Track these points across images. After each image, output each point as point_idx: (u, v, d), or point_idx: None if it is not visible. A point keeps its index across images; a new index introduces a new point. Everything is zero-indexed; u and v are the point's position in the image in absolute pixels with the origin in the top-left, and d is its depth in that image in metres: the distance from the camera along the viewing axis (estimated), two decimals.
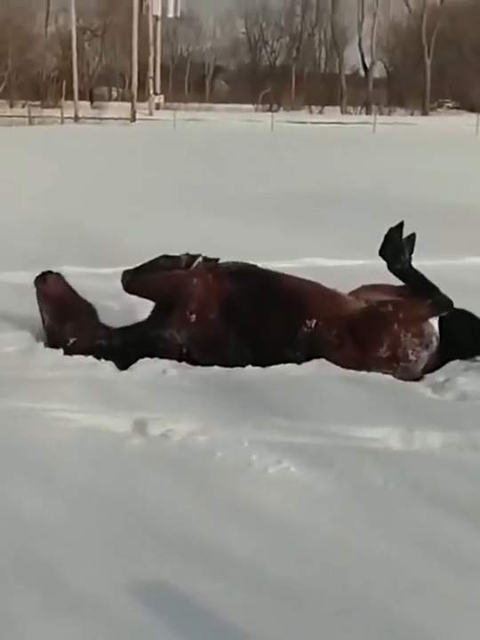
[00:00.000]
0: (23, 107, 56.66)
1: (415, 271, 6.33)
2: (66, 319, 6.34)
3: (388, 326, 6.01)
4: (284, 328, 6.05)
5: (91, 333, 6.30)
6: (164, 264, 6.42)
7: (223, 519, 3.95)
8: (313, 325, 6.03)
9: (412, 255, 6.34)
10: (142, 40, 66.77)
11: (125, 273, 6.45)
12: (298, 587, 3.38)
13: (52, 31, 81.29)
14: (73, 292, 6.56)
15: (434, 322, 6.17)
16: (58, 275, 6.57)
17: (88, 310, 6.51)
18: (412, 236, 6.37)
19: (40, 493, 4.16)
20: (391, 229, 6.39)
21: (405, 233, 6.31)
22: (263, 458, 4.58)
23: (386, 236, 6.39)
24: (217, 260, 6.44)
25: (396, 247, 6.33)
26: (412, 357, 6.04)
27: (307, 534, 3.82)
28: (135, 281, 6.38)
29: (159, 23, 72.56)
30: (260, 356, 6.01)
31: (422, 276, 6.28)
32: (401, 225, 6.37)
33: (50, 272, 6.57)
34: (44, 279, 6.48)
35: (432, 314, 6.17)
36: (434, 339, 6.12)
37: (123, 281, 6.43)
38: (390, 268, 6.35)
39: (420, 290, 6.19)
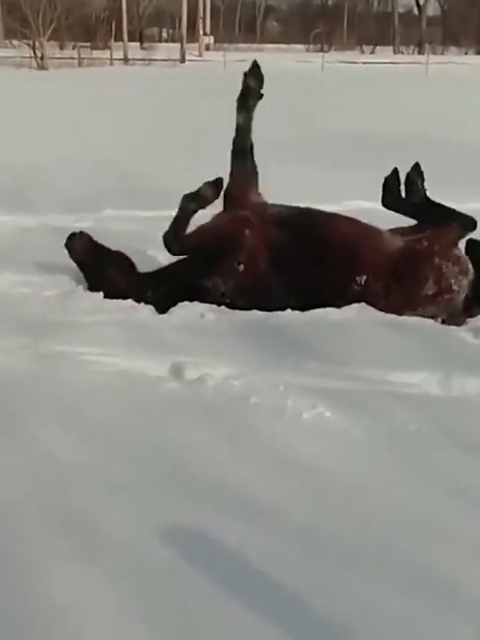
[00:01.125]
0: (73, 48, 56.44)
1: (431, 201, 6.27)
2: (102, 280, 6.29)
3: (430, 262, 5.95)
4: (334, 283, 5.98)
5: (133, 290, 6.24)
6: (193, 207, 6.27)
7: (255, 466, 3.94)
8: (362, 282, 5.97)
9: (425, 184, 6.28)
10: None
11: (166, 238, 6.25)
12: (322, 534, 3.37)
13: None
14: (104, 251, 6.47)
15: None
16: (83, 234, 6.47)
17: (124, 265, 6.43)
18: (416, 166, 6.31)
19: (73, 437, 4.18)
20: (386, 178, 6.38)
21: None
22: (298, 402, 4.56)
23: (383, 186, 6.37)
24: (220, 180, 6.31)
25: (397, 191, 6.31)
26: (455, 287, 6.00)
27: (336, 481, 3.80)
28: (182, 245, 6.24)
29: None
30: (306, 309, 5.95)
31: (439, 204, 6.23)
32: (395, 171, 6.34)
33: (76, 234, 6.48)
34: (71, 241, 6.43)
35: (461, 236, 6.15)
36: (469, 265, 6.06)
37: (167, 247, 6.27)
38: (404, 206, 6.29)
39: (442, 216, 6.11)
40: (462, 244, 6.16)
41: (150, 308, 6.01)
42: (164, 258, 6.72)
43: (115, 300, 6.10)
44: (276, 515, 3.52)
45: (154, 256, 7.01)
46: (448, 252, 6.01)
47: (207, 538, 3.35)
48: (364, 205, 9.65)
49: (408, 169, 6.29)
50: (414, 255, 6.00)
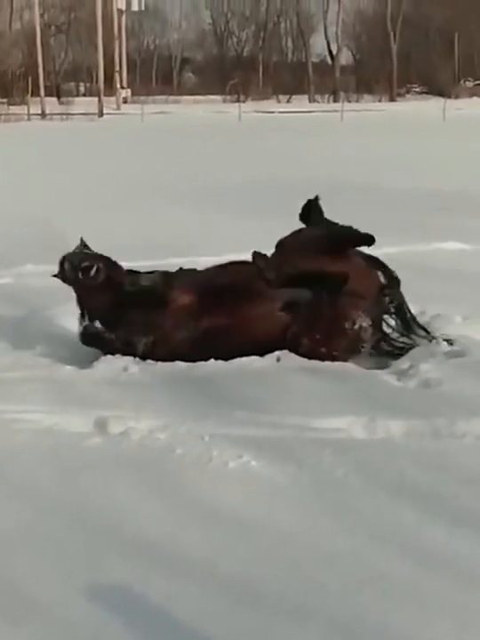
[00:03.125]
0: None
1: (332, 224, 6.35)
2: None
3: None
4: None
5: None
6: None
7: (181, 518, 3.91)
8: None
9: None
10: (107, 34, 66.48)
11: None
12: (253, 584, 3.34)
13: (17, 28, 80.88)
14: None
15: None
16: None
17: None
18: (315, 199, 6.46)
19: None
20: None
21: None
22: (223, 452, 4.54)
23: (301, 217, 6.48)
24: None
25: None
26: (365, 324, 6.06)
27: (264, 529, 3.77)
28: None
29: (124, 16, 72.25)
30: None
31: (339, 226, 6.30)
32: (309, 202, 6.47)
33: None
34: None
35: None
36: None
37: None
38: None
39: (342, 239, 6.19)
40: None
41: (68, 364, 5.94)
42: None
43: (34, 356, 6.03)
44: (203, 566, 3.48)
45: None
46: (359, 295, 6.05)
47: (134, 595, 3.29)
48: None
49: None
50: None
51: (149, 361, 6.00)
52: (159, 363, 5.99)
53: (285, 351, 5.96)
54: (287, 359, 5.93)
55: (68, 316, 6.60)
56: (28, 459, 4.54)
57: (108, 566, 3.52)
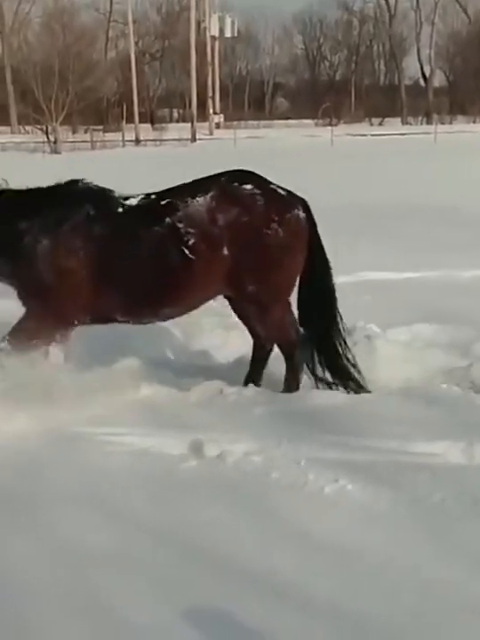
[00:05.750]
0: (85, 132, 57.34)
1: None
2: None
3: None
4: None
5: None
6: None
7: (277, 542, 3.90)
8: None
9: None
10: (200, 61, 67.25)
11: None
12: (350, 610, 3.32)
13: (112, 56, 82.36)
14: None
15: None
16: None
17: None
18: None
19: (92, 519, 4.14)
20: None
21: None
22: (319, 477, 4.52)
23: None
24: None
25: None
26: None
27: (360, 555, 3.75)
28: None
29: (217, 43, 72.99)
30: None
31: None
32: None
33: None
34: None
35: None
36: None
37: None
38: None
39: None
40: None
41: (165, 386, 5.99)
42: None
43: (131, 379, 6.10)
44: (299, 592, 3.47)
45: None
46: None
47: (229, 618, 3.30)
48: (375, 276, 9.71)
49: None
50: None
51: (244, 385, 6.04)
52: (254, 387, 6.02)
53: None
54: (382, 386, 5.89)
55: (170, 341, 6.68)
56: (124, 481, 4.58)
57: (203, 589, 3.53)
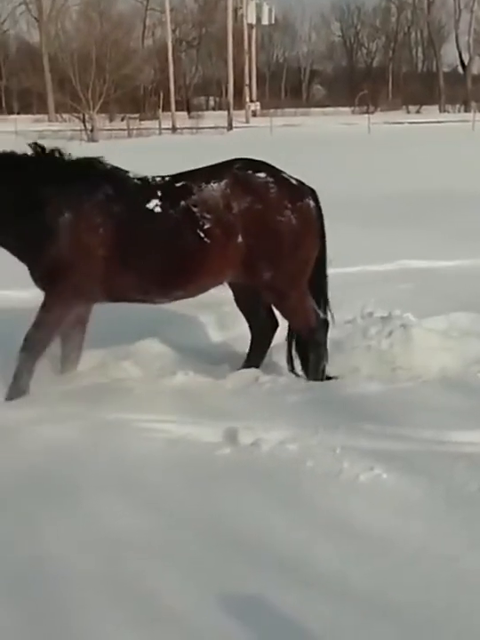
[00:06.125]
0: (122, 120, 57.42)
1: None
2: None
3: None
4: None
5: None
6: None
7: (312, 530, 3.90)
8: None
9: None
10: (237, 48, 67.04)
11: None
12: (385, 598, 3.31)
13: (149, 44, 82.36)
14: None
15: None
16: None
17: None
18: None
19: (129, 505, 4.17)
20: None
21: None
22: (354, 465, 4.51)
23: None
24: None
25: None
26: None
27: (395, 544, 3.74)
28: None
29: (254, 31, 72.76)
30: None
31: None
32: None
33: None
34: None
35: None
36: None
37: None
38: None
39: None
40: None
41: (201, 374, 6.00)
42: None
43: (167, 367, 6.12)
44: (334, 579, 3.47)
45: None
46: None
47: (263, 604, 3.30)
48: (413, 264, 9.65)
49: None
50: None
51: (278, 372, 6.04)
52: (288, 374, 6.02)
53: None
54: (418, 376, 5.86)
55: (205, 329, 6.69)
56: (160, 467, 4.60)
57: (239, 576, 3.54)
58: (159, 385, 5.79)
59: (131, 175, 5.87)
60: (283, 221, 5.72)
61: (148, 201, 5.69)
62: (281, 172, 5.94)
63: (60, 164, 5.73)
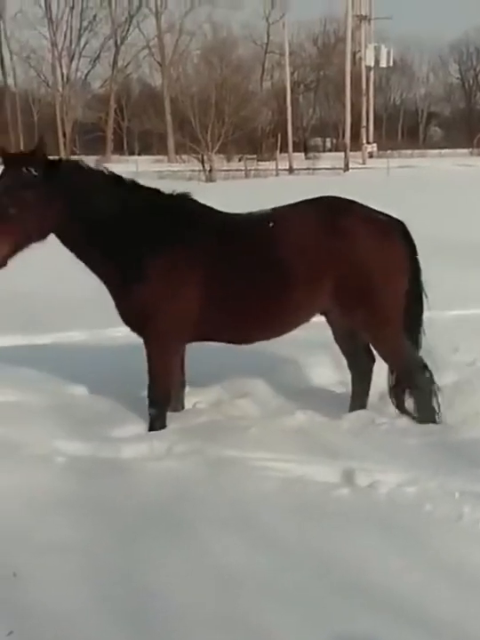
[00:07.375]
0: (239, 160, 58.04)
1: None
2: None
3: None
4: None
5: None
6: None
7: (429, 576, 3.83)
8: None
9: None
10: (355, 91, 67.17)
11: None
12: None
13: (268, 86, 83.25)
14: None
15: None
16: None
17: None
18: None
19: (243, 543, 4.16)
20: None
21: None
22: (475, 510, 4.42)
23: None
24: None
25: None
26: None
27: None
28: None
29: (372, 73, 72.82)
30: None
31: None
32: None
33: None
34: None
35: None
36: None
37: None
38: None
39: None
40: None
41: (318, 414, 5.97)
42: None
43: (282, 406, 6.13)
44: (452, 627, 3.40)
45: None
46: None
47: None
48: None
49: None
50: None
51: (394, 413, 5.97)
52: (404, 416, 5.94)
53: None
54: None
55: (319, 368, 6.68)
56: (276, 506, 4.58)
57: (355, 619, 3.50)
58: (275, 423, 5.78)
59: (221, 212, 5.91)
60: (370, 258, 5.67)
61: (238, 240, 5.73)
62: (367, 208, 5.90)
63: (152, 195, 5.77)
